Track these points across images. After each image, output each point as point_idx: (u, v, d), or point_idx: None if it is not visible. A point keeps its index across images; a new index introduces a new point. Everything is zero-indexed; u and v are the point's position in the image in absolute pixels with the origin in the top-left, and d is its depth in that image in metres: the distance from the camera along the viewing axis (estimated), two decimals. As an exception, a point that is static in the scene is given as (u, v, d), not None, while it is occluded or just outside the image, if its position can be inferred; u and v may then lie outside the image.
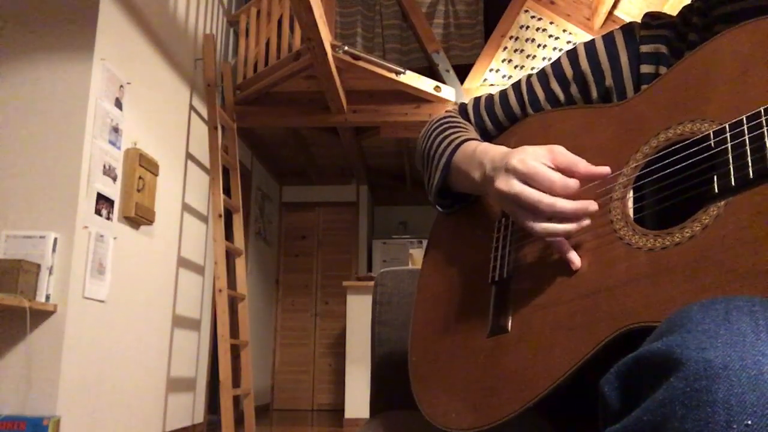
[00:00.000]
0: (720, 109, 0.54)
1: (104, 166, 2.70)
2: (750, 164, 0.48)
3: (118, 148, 2.83)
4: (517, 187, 0.62)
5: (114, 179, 2.79)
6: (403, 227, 6.88)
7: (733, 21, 0.63)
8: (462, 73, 4.55)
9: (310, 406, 6.03)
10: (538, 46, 4.53)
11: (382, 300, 1.16)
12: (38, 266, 2.37)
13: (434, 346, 0.76)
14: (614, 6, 4.23)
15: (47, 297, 2.39)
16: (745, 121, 0.50)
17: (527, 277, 0.66)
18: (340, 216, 6.46)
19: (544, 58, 4.50)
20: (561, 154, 0.63)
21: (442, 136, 0.83)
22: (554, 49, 4.50)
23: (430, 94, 4.09)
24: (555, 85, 0.79)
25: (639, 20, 0.75)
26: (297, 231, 6.47)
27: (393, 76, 3.96)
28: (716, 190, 0.50)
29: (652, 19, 0.73)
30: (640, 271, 0.53)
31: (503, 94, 0.86)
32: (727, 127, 0.51)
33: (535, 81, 0.82)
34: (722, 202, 0.49)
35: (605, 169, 0.61)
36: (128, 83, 2.93)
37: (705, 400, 0.33)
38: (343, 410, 4.40)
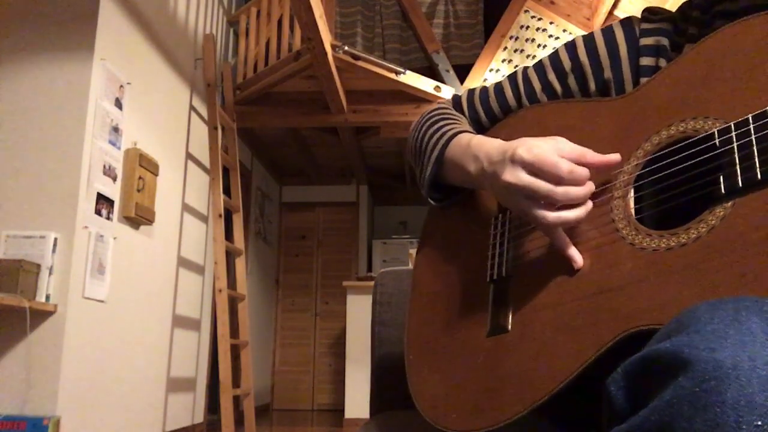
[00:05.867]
0: (724, 107, 0.53)
1: (104, 166, 2.70)
2: (758, 165, 0.47)
3: (118, 148, 2.83)
4: (526, 178, 0.60)
5: (114, 179, 2.79)
6: (403, 227, 6.87)
7: (733, 17, 0.61)
8: (462, 73, 4.55)
9: (310, 406, 6.03)
10: (538, 46, 4.53)
11: (382, 300, 1.16)
12: (38, 266, 2.37)
13: (432, 345, 0.74)
14: (614, 6, 4.23)
15: (47, 297, 2.38)
16: (751, 121, 0.49)
17: (527, 276, 0.65)
18: (340, 216, 6.46)
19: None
20: (565, 144, 0.61)
21: (434, 129, 0.81)
22: (554, 49, 4.50)
23: (430, 94, 4.09)
24: (552, 77, 0.77)
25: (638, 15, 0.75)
26: (297, 231, 6.47)
27: (393, 76, 3.96)
28: (723, 191, 0.49)
29: (652, 13, 0.73)
30: (644, 272, 0.52)
31: (498, 86, 0.84)
32: (732, 126, 0.50)
33: (531, 73, 0.80)
34: (729, 203, 0.48)
35: (615, 157, 0.59)
36: (128, 83, 2.93)
37: (714, 401, 0.33)
38: (343, 410, 4.40)
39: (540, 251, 0.65)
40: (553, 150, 0.61)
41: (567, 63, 0.76)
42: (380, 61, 3.95)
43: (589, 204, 0.60)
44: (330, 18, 4.03)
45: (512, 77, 0.83)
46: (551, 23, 4.54)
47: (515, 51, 4.53)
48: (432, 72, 4.54)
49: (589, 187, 0.59)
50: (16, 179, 2.52)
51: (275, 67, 3.94)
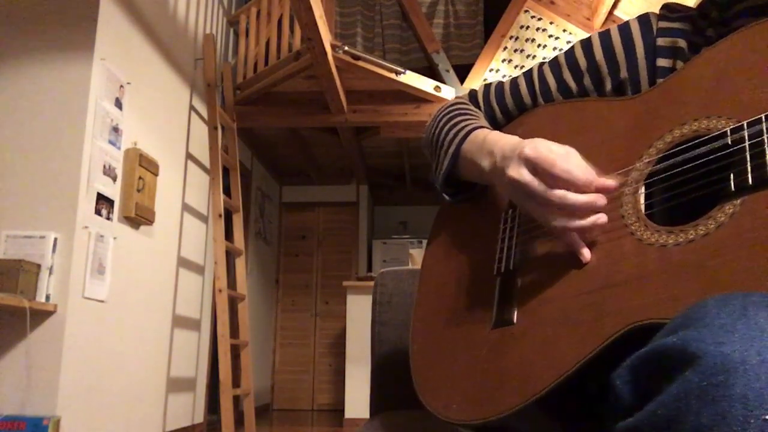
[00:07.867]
0: (738, 107, 0.53)
1: (104, 166, 2.70)
2: None
3: (118, 148, 2.83)
4: (527, 176, 0.61)
5: (114, 179, 2.79)
6: (403, 227, 6.87)
7: (754, 16, 0.61)
8: (462, 73, 4.55)
9: (310, 406, 6.03)
10: (538, 46, 4.53)
11: (382, 300, 1.16)
12: (38, 266, 2.37)
13: (436, 336, 0.75)
14: (614, 6, 4.23)
15: (47, 297, 2.38)
16: (764, 119, 0.49)
17: (534, 270, 0.65)
18: (340, 216, 6.46)
19: (544, 58, 4.50)
20: (573, 157, 0.61)
21: (451, 123, 0.81)
22: (554, 49, 4.50)
23: (430, 94, 4.09)
24: (567, 76, 0.76)
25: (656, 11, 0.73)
26: (297, 231, 6.47)
27: (393, 76, 3.96)
28: (732, 188, 0.49)
29: (670, 11, 0.71)
30: (651, 267, 0.52)
31: (514, 82, 0.83)
32: (745, 124, 0.50)
33: (547, 70, 0.79)
34: (738, 201, 0.48)
35: (611, 183, 0.59)
36: (128, 83, 2.93)
37: (722, 395, 0.33)
38: (343, 410, 4.40)
39: (548, 246, 0.65)
40: (561, 156, 0.60)
41: (583, 62, 0.75)
42: (380, 61, 3.95)
43: (602, 219, 0.58)
44: (330, 18, 4.03)
45: (528, 74, 0.82)
46: (551, 23, 4.54)
47: (515, 51, 4.53)
48: (432, 72, 4.54)
49: (591, 198, 0.58)
50: (16, 179, 2.52)
51: (275, 67, 3.94)
